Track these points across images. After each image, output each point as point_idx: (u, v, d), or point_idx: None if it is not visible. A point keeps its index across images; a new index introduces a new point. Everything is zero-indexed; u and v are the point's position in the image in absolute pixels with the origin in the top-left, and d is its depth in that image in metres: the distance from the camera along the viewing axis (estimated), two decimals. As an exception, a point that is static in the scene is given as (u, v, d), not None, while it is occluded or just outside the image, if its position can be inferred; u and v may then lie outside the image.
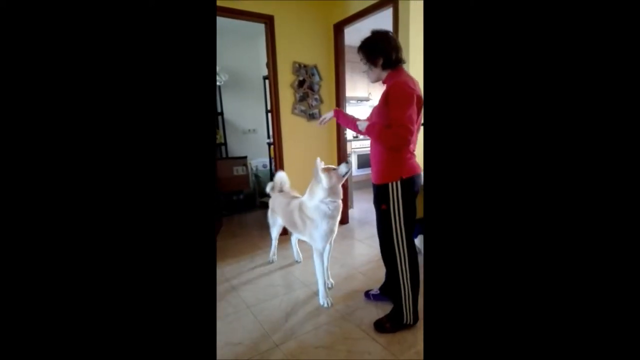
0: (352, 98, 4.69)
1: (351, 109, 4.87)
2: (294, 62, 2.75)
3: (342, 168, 1.76)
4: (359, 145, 4.64)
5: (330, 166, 1.80)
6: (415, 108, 1.30)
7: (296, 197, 2.05)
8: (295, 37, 2.71)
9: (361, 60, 1.44)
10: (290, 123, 2.80)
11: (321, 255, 1.82)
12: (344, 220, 3.20)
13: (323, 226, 1.75)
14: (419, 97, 1.33)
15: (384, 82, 1.43)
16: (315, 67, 2.87)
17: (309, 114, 2.90)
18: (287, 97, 2.76)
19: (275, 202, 2.21)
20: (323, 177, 1.72)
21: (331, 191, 1.71)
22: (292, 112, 2.80)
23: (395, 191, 1.38)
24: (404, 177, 1.37)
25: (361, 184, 4.66)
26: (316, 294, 1.85)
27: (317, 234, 1.77)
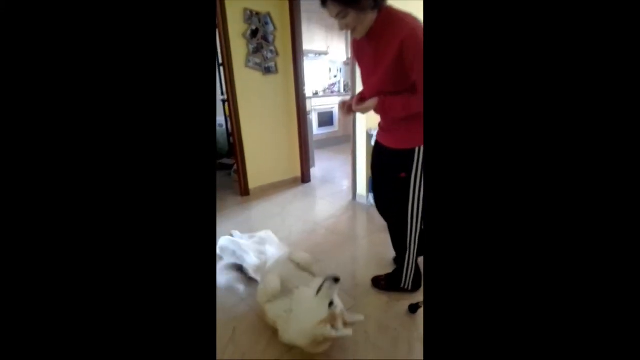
0: (310, 51, 4.47)
1: (309, 63, 4.67)
2: (245, 9, 2.49)
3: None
4: (319, 102, 4.53)
5: None
6: None
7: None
8: (244, -22, 2.43)
9: (338, 14, 1.04)
10: (245, 77, 2.62)
11: None
12: (306, 179, 3.21)
13: None
14: None
15: (372, 31, 1.10)
16: (269, 15, 2.64)
17: (265, 67, 2.72)
18: (239, 48, 2.54)
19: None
20: None
21: None
22: (246, 66, 2.61)
23: (420, 158, 1.20)
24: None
25: (322, 143, 4.64)
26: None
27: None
